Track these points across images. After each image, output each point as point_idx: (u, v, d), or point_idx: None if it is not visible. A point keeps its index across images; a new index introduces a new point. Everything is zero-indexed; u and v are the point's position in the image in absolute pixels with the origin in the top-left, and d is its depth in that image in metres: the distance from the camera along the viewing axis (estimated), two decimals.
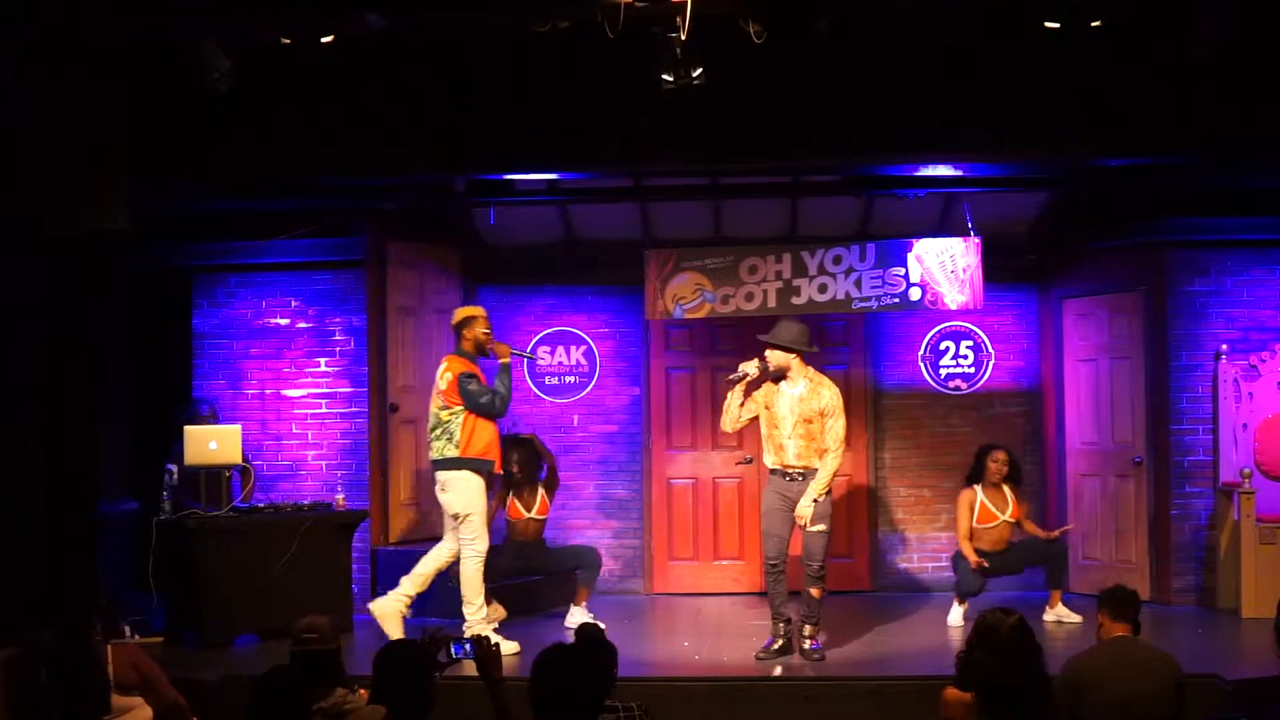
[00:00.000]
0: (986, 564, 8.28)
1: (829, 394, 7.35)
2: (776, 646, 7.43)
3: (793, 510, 7.33)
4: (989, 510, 8.39)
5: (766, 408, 7.44)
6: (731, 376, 7.47)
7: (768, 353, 7.41)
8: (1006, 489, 8.46)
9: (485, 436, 7.58)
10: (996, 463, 8.44)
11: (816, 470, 7.31)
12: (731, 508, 9.93)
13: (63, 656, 4.54)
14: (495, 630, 7.49)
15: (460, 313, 7.89)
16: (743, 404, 7.47)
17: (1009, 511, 8.42)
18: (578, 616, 8.15)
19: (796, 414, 7.33)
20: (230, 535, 8.00)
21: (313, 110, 7.65)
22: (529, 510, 8.59)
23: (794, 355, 7.38)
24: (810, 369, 7.46)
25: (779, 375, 7.41)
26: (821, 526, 7.29)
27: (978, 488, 8.44)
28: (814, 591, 7.34)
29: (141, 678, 5.23)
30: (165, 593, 7.97)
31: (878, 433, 9.91)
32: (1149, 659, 5.04)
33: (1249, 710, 5.42)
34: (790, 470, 7.37)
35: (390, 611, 7.60)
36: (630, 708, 4.57)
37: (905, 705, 6.44)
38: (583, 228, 9.76)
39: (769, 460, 7.50)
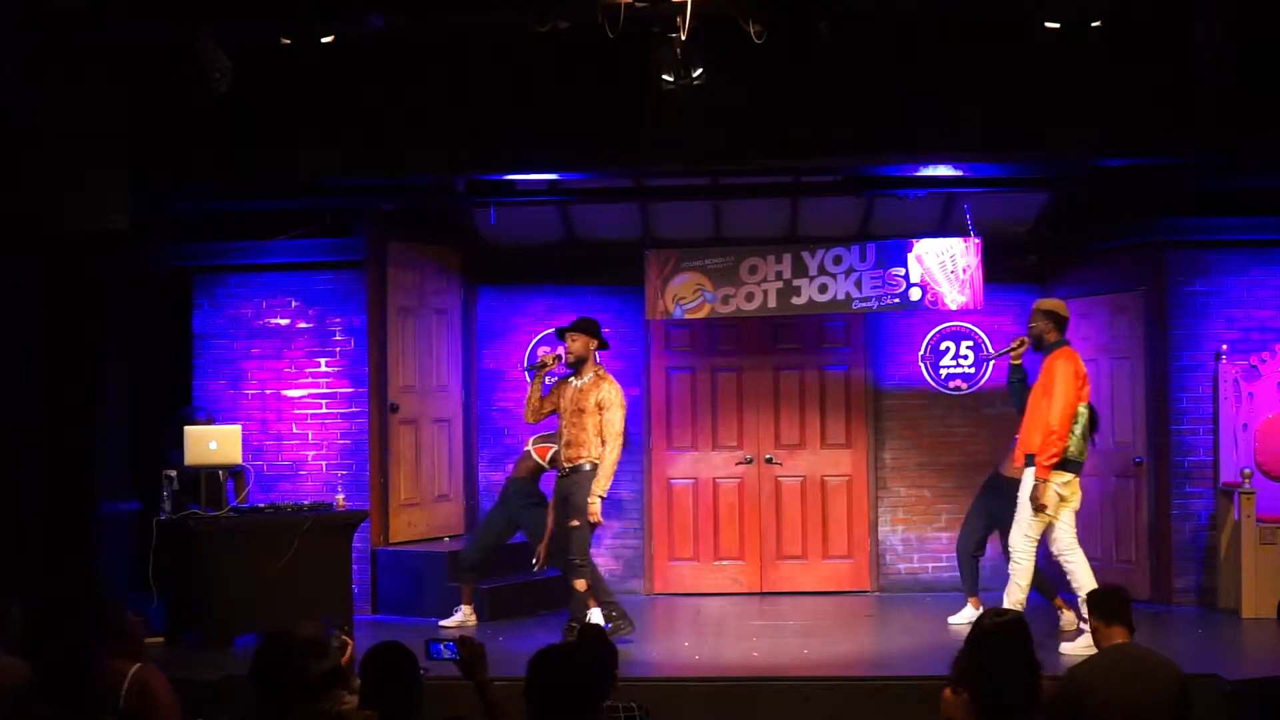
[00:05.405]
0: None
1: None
2: (626, 632, 7.58)
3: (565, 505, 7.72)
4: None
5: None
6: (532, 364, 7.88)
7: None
8: None
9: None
10: None
11: (584, 466, 7.66)
12: (731, 508, 9.91)
13: (55, 667, 4.48)
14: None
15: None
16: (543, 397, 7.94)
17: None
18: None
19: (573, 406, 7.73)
20: (231, 536, 7.99)
21: (313, 110, 7.65)
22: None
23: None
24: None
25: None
26: (578, 522, 7.60)
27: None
28: (579, 584, 7.56)
29: (153, 708, 4.97)
30: (165, 593, 7.96)
31: (878, 433, 9.90)
32: (1151, 665, 4.97)
33: (1250, 710, 5.41)
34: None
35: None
36: (630, 708, 4.57)
37: (905, 705, 6.44)
38: (583, 228, 9.76)
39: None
